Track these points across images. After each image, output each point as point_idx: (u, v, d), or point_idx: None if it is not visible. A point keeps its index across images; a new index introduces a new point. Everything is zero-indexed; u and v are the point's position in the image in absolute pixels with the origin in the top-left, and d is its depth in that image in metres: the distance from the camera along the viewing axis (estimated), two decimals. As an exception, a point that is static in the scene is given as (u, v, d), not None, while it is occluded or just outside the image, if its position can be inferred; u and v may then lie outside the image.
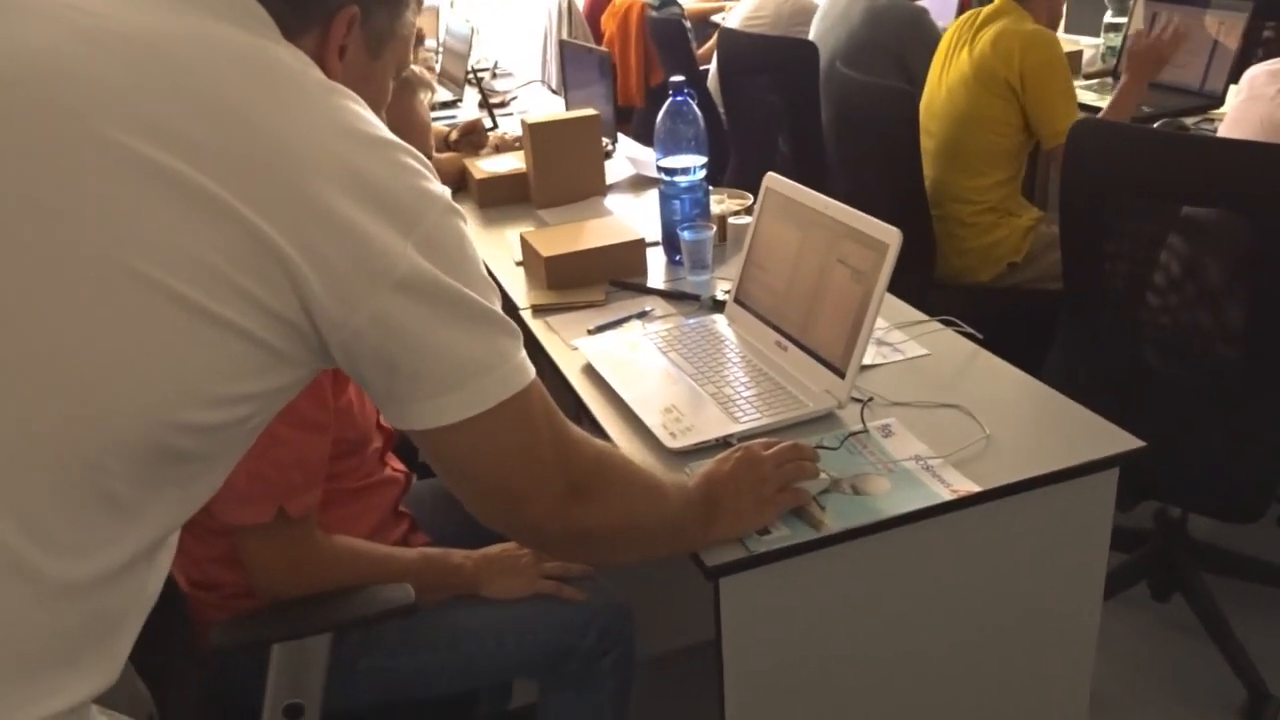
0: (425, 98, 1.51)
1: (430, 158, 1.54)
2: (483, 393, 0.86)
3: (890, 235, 1.33)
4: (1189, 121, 2.75)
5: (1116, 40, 3.31)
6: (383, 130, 0.82)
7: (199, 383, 0.75)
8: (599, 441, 1.02)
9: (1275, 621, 2.12)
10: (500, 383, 0.87)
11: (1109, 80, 3.24)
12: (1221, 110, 2.77)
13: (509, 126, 3.02)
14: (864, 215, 1.39)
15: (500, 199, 2.42)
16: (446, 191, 0.85)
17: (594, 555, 1.04)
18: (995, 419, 1.34)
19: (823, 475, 1.22)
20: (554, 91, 3.86)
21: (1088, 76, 3.33)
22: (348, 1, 0.88)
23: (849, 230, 1.40)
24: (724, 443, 1.32)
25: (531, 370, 0.91)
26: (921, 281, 2.50)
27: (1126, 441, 1.28)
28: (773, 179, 1.60)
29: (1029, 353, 1.95)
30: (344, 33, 0.89)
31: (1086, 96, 3.07)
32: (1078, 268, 1.92)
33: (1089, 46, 3.60)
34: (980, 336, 1.57)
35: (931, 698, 1.31)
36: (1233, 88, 2.72)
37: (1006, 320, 2.47)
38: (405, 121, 1.45)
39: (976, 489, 1.20)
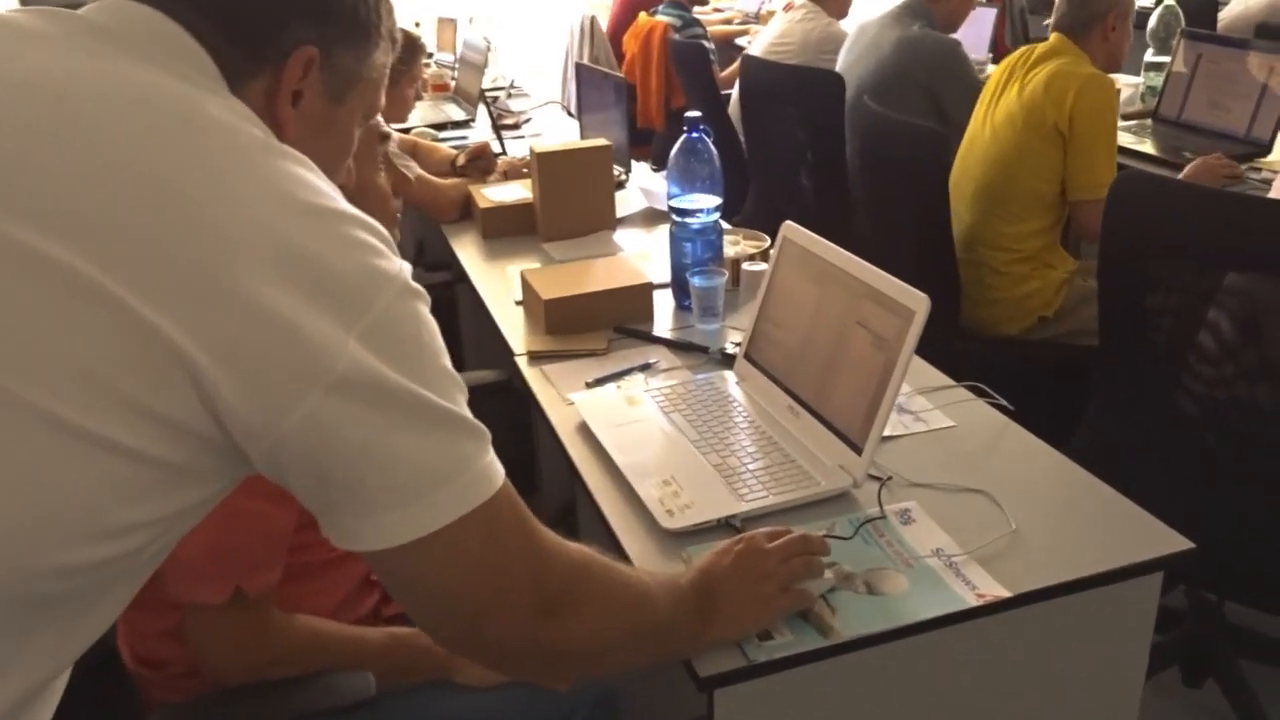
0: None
1: (389, 216, 1.38)
2: (436, 508, 0.73)
3: (917, 301, 1.21)
4: (1233, 170, 2.61)
5: (1157, 80, 3.18)
6: (330, 198, 0.70)
7: (74, 517, 0.63)
8: (577, 548, 0.89)
9: (1313, 711, 1.97)
10: (458, 495, 0.74)
11: (1147, 122, 3.11)
12: (1271, 159, 2.64)
13: (519, 150, 2.91)
14: (889, 276, 1.27)
15: (505, 230, 2.31)
16: (405, 269, 0.73)
17: (570, 675, 0.91)
18: (1024, 508, 1.21)
19: (828, 573, 1.09)
20: (571, 114, 3.75)
21: (1125, 117, 3.19)
22: (305, 40, 0.77)
23: (871, 291, 1.28)
24: (726, 524, 1.20)
25: (499, 476, 0.78)
26: (946, 332, 2.36)
27: (1172, 541, 1.15)
28: (791, 229, 1.48)
29: (1060, 406, 1.82)
30: (299, 75, 0.78)
31: (1124, 139, 2.93)
32: (1114, 325, 1.79)
33: (1128, 85, 3.46)
34: (1012, 409, 1.45)
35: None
36: (1280, 135, 2.60)
37: (1036, 374, 2.34)
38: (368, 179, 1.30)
39: (1005, 594, 1.08)
